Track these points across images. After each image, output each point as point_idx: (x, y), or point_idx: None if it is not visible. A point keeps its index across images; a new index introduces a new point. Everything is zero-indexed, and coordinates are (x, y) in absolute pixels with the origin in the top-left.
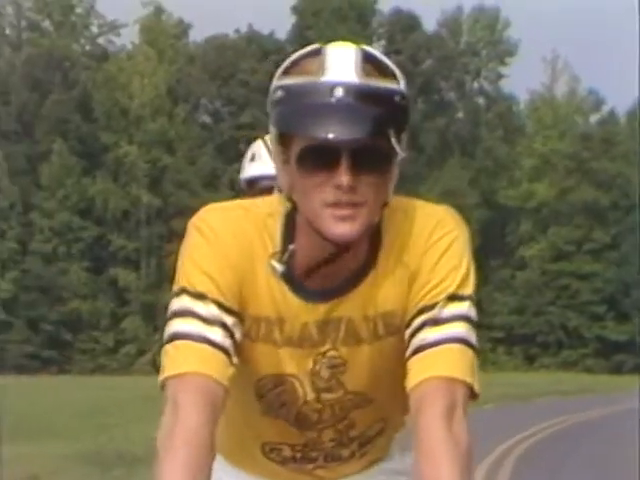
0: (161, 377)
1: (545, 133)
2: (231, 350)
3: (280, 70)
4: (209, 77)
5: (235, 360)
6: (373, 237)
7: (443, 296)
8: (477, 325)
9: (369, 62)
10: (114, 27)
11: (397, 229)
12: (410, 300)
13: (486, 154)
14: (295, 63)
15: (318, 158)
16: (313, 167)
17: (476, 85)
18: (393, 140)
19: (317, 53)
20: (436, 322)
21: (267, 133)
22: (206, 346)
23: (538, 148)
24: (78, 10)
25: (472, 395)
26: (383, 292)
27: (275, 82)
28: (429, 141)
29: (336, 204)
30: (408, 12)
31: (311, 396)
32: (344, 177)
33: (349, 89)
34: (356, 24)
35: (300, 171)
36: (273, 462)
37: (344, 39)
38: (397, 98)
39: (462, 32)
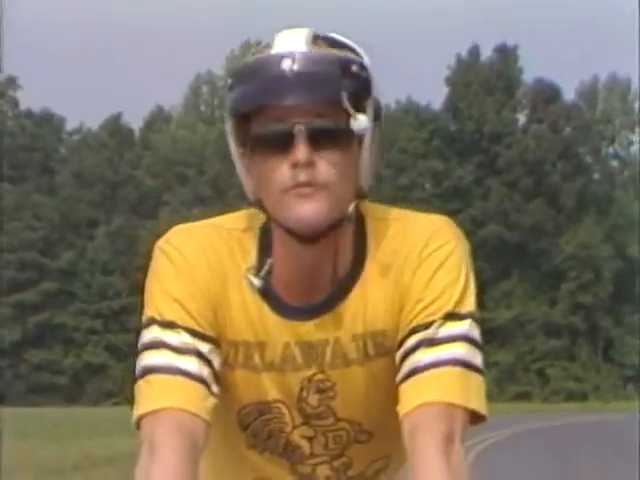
0: (135, 415)
1: None
2: (209, 380)
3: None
4: None
5: (215, 390)
6: (357, 244)
7: (440, 314)
8: (481, 345)
9: (321, 38)
10: None
11: (386, 239)
12: (402, 318)
13: (619, 212)
14: (251, 53)
15: (272, 139)
16: (268, 149)
17: (611, 150)
18: (347, 103)
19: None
20: (432, 342)
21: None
22: (181, 378)
23: None
24: None
25: (479, 418)
26: (372, 308)
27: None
28: (568, 200)
29: (295, 186)
30: (550, 83)
31: (299, 420)
32: (300, 153)
33: (299, 57)
34: (502, 94)
35: (256, 158)
36: None
37: (491, 109)
38: (354, 67)
39: (598, 102)
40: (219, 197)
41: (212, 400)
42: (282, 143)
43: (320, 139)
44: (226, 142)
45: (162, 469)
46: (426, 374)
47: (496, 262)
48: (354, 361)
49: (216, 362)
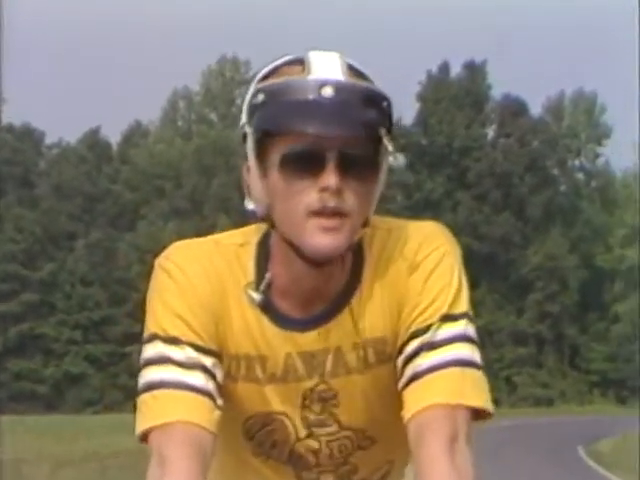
0: (141, 428)
1: (635, 207)
2: (215, 393)
3: (259, 76)
4: None
5: (220, 402)
6: (354, 257)
7: (436, 317)
8: (480, 343)
9: (351, 68)
10: None
11: (381, 248)
12: (401, 324)
13: (585, 223)
14: (275, 68)
15: (303, 162)
16: (297, 171)
17: (577, 163)
18: (385, 140)
19: (299, 59)
20: (432, 346)
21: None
22: (188, 393)
23: (628, 220)
24: (238, 102)
25: (484, 414)
26: (371, 317)
27: (254, 86)
28: (535, 211)
29: (321, 212)
30: (516, 98)
31: (303, 433)
32: (331, 178)
33: (339, 87)
34: (471, 109)
35: (283, 178)
36: None
37: (460, 124)
38: (385, 104)
39: (564, 116)
40: (196, 210)
41: (217, 413)
42: (313, 166)
43: (349, 168)
44: (203, 157)
45: None
46: (427, 377)
47: (465, 273)
48: (355, 369)
49: (219, 375)
